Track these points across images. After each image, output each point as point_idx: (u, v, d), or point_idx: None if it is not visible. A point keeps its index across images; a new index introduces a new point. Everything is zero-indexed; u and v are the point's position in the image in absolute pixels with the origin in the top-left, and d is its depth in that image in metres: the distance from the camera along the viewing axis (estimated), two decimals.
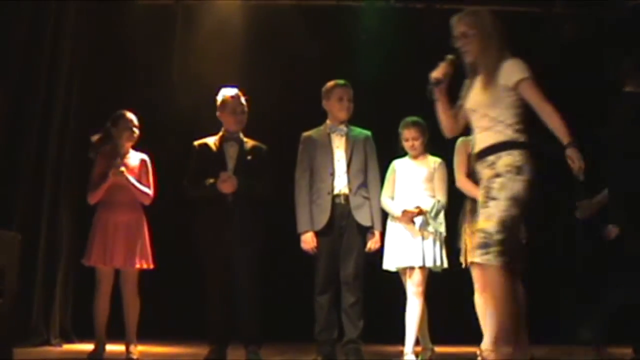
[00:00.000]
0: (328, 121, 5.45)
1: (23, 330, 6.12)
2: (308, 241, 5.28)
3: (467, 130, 5.41)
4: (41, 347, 6.15)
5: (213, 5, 7.26)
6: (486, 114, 4.09)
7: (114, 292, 5.50)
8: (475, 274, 5.29)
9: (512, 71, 4.07)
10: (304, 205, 5.32)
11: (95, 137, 5.58)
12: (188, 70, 7.12)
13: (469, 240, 5.22)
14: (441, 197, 5.44)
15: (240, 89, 5.61)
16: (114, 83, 6.86)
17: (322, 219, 5.28)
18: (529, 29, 7.48)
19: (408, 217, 5.36)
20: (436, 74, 4.15)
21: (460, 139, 5.40)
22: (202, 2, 7.29)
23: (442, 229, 5.43)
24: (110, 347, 5.59)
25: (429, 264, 5.34)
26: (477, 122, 4.13)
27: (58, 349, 6.21)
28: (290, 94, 7.09)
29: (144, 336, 5.87)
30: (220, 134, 5.43)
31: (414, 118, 5.55)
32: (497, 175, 3.95)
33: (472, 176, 5.29)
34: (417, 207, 5.35)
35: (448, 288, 5.95)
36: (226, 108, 5.40)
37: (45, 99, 6.39)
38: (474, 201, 5.25)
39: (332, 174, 5.34)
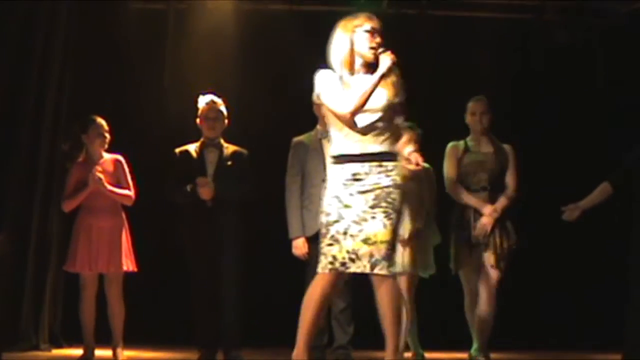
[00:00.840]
0: (318, 127, 5.44)
1: (12, 334, 6.08)
2: (300, 247, 5.27)
3: (456, 135, 5.47)
4: (30, 352, 6.12)
5: (205, 9, 7.24)
6: (385, 119, 4.02)
7: (99, 296, 5.50)
8: (465, 279, 5.31)
9: (401, 88, 4.09)
10: (296, 211, 5.30)
11: (66, 146, 5.58)
12: (179, 74, 7.11)
13: (459, 247, 5.24)
14: (429, 206, 5.43)
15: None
16: (105, 85, 6.84)
17: (314, 225, 5.26)
18: (520, 35, 7.51)
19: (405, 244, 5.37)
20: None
21: (450, 144, 5.42)
22: (194, 6, 7.28)
23: (436, 236, 5.45)
24: (99, 352, 5.58)
25: (419, 270, 5.35)
26: (375, 122, 4.00)
27: (47, 353, 6.18)
28: (282, 99, 7.08)
29: (133, 341, 5.86)
30: (201, 140, 5.48)
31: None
32: (397, 187, 3.94)
33: (462, 181, 5.32)
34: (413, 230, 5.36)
35: (438, 293, 5.95)
36: (201, 114, 5.46)
37: (36, 102, 6.36)
38: (463, 207, 5.28)
39: (324, 180, 5.32)
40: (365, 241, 3.87)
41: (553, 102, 7.45)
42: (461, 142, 5.41)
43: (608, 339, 5.82)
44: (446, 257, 5.38)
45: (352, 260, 3.88)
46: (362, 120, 3.99)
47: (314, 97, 4.15)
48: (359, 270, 3.90)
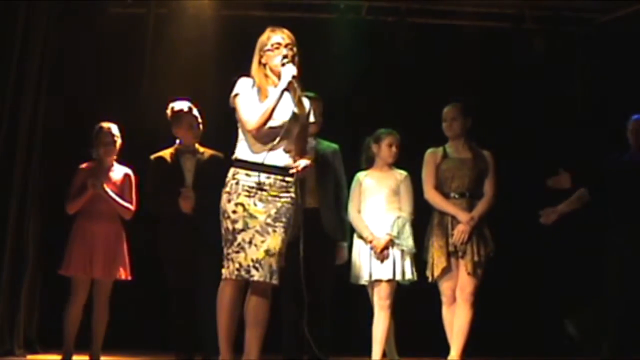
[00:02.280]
0: None
1: None
2: None
3: (435, 141, 5.50)
4: (4, 357, 6.06)
5: (185, 14, 7.23)
6: (291, 136, 4.21)
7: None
8: (442, 286, 5.31)
9: (311, 111, 4.37)
10: None
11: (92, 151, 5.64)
12: (159, 79, 7.08)
13: (436, 254, 5.25)
14: (406, 210, 5.44)
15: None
16: (83, 90, 6.80)
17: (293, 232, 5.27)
18: (499, 43, 7.55)
19: (378, 253, 5.36)
20: (294, 72, 4.21)
21: (429, 150, 5.44)
22: (175, 11, 7.26)
23: (410, 242, 5.43)
24: (76, 358, 5.54)
25: (398, 277, 5.35)
26: (282, 138, 4.15)
27: (22, 359, 6.13)
28: None
29: (111, 347, 5.82)
30: (176, 147, 5.46)
31: (387, 129, 5.59)
32: (294, 203, 4.22)
33: (440, 188, 5.33)
34: (385, 240, 5.35)
35: (415, 300, 5.95)
36: (182, 122, 5.42)
37: (12, 104, 6.31)
38: (441, 214, 5.29)
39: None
40: (267, 252, 4.06)
41: (532, 109, 7.49)
42: (440, 149, 5.43)
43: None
44: (424, 265, 5.40)
45: (256, 268, 4.06)
46: (269, 132, 4.13)
47: (230, 100, 4.23)
48: (261, 279, 4.07)
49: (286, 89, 4.16)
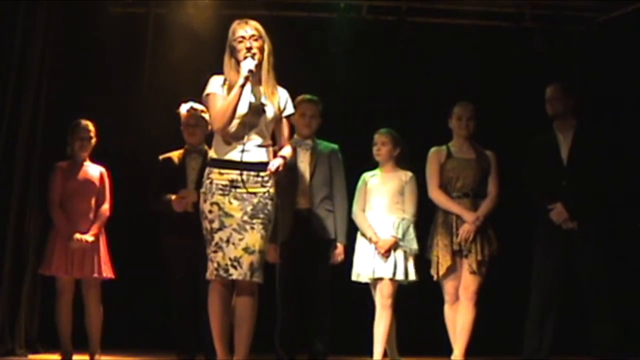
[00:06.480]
0: (295, 135, 5.47)
1: None
2: (270, 253, 5.26)
3: (436, 141, 5.50)
4: (6, 357, 6.06)
5: (185, 14, 7.23)
6: (264, 129, 4.22)
7: (76, 301, 5.48)
8: (446, 285, 5.31)
9: (288, 101, 4.34)
10: None
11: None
12: (159, 79, 7.08)
13: (441, 253, 5.25)
14: (409, 212, 5.42)
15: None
16: (83, 90, 6.81)
17: (285, 232, 5.28)
18: (499, 42, 7.55)
19: (382, 254, 5.35)
20: (252, 66, 4.15)
21: (432, 149, 5.44)
22: (175, 11, 7.26)
23: (414, 245, 5.41)
24: (77, 358, 5.54)
25: (399, 276, 5.34)
26: (251, 133, 4.17)
27: (23, 359, 6.13)
28: None
29: (111, 347, 5.83)
30: (184, 147, 5.48)
31: (385, 129, 5.58)
32: (271, 198, 4.17)
33: (444, 188, 5.33)
34: (389, 242, 5.34)
35: (417, 300, 5.96)
36: (182, 121, 5.47)
37: (12, 106, 6.30)
38: (446, 212, 5.29)
39: (296, 188, 5.34)
40: (246, 250, 4.06)
41: (531, 108, 7.48)
42: (443, 147, 5.43)
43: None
44: (426, 264, 5.39)
45: (234, 267, 4.05)
46: (240, 128, 4.14)
47: (203, 99, 4.28)
48: (240, 278, 4.06)
49: (244, 84, 4.12)
